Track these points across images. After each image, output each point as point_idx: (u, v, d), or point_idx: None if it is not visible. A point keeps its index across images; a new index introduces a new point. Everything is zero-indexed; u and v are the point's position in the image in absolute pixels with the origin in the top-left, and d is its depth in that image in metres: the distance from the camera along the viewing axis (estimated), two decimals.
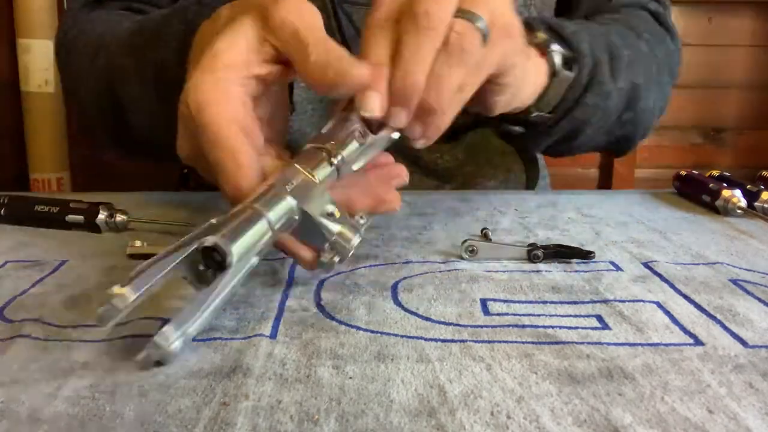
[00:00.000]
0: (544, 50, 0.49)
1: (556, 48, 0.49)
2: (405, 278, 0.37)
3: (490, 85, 0.41)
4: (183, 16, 0.46)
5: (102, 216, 0.46)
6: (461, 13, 0.37)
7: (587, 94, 0.52)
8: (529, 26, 0.50)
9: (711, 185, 0.54)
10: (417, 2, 0.37)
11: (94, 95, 0.55)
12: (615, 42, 0.55)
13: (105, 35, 0.55)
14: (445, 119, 0.38)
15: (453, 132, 0.71)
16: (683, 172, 0.60)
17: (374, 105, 0.36)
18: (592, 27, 0.57)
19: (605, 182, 1.75)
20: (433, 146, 0.69)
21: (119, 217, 0.46)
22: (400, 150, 0.67)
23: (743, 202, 0.51)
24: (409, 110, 0.37)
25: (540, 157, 0.80)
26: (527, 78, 0.46)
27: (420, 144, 0.39)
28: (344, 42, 0.62)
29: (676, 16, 1.79)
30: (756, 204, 0.52)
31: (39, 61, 1.53)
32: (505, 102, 0.45)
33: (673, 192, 0.61)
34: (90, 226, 0.46)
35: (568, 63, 0.50)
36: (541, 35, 0.49)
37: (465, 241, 0.41)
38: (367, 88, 0.36)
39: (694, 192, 0.56)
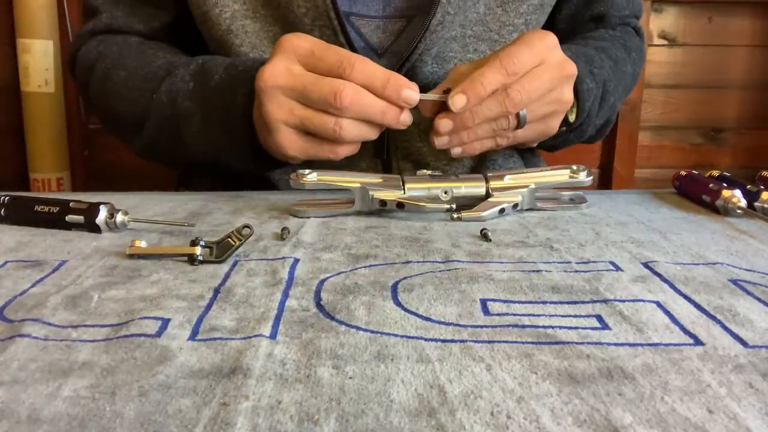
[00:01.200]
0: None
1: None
2: (405, 278, 0.37)
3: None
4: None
5: (102, 216, 0.46)
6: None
7: (572, 133, 0.66)
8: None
9: (711, 185, 0.54)
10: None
11: (152, 123, 0.63)
12: (609, 80, 0.66)
13: (154, 70, 0.64)
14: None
15: None
16: (683, 172, 0.60)
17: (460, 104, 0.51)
18: (602, 64, 0.67)
19: (605, 182, 1.75)
20: (442, 154, 0.71)
21: (119, 217, 0.46)
22: (410, 157, 0.68)
23: (743, 202, 0.51)
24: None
25: (541, 159, 0.81)
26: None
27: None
28: None
29: (676, 16, 1.79)
30: (756, 204, 0.52)
31: (39, 61, 1.53)
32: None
33: (673, 192, 0.61)
34: (90, 226, 0.46)
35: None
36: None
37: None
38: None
39: (694, 192, 0.56)
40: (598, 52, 0.68)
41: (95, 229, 0.46)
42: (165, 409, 0.24)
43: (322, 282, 0.37)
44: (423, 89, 0.51)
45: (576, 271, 0.39)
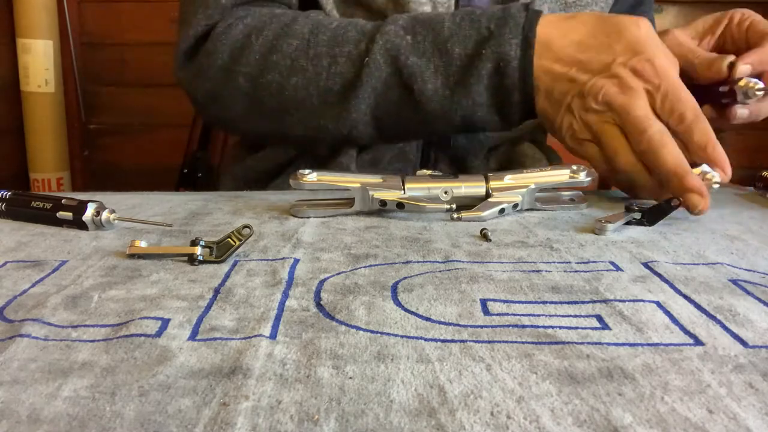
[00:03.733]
0: None
1: None
2: (405, 278, 0.37)
3: None
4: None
5: (89, 213, 0.46)
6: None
7: None
8: None
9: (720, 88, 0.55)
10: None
11: (365, 89, 0.57)
12: None
13: (340, 32, 0.58)
14: None
15: (490, 147, 0.73)
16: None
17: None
18: None
19: (605, 182, 1.75)
20: (479, 152, 0.70)
21: (104, 215, 0.47)
22: (447, 151, 0.69)
23: (761, 84, 0.51)
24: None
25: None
26: None
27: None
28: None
29: (676, 16, 1.79)
30: (735, 89, 0.53)
31: (39, 61, 1.53)
32: None
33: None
34: (78, 223, 0.47)
35: None
36: None
37: None
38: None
39: (708, 92, 0.56)
40: None
41: (83, 226, 0.47)
42: (165, 409, 0.24)
43: (322, 282, 0.37)
44: None
45: (576, 271, 0.39)
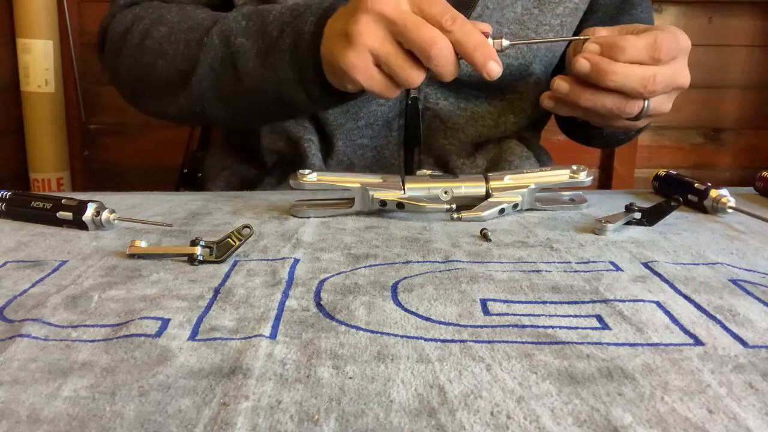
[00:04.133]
0: None
1: None
2: (405, 278, 0.37)
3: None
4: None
5: (89, 213, 0.46)
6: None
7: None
8: None
9: (696, 185, 0.54)
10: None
11: (202, 69, 0.62)
12: None
13: (198, 21, 0.63)
14: None
15: (477, 144, 0.72)
16: (662, 172, 0.61)
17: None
18: None
19: (605, 182, 1.75)
20: (463, 153, 0.70)
21: (104, 215, 0.47)
22: (432, 152, 0.69)
23: (732, 202, 0.51)
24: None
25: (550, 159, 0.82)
26: None
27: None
28: None
29: (676, 16, 1.78)
30: (705, 202, 0.52)
31: (39, 61, 1.53)
32: None
33: (651, 192, 0.61)
34: (78, 223, 0.47)
35: None
36: None
37: None
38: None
39: (677, 192, 0.56)
40: None
41: (83, 226, 0.47)
42: (165, 409, 0.24)
43: (322, 282, 0.37)
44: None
45: (576, 271, 0.39)
